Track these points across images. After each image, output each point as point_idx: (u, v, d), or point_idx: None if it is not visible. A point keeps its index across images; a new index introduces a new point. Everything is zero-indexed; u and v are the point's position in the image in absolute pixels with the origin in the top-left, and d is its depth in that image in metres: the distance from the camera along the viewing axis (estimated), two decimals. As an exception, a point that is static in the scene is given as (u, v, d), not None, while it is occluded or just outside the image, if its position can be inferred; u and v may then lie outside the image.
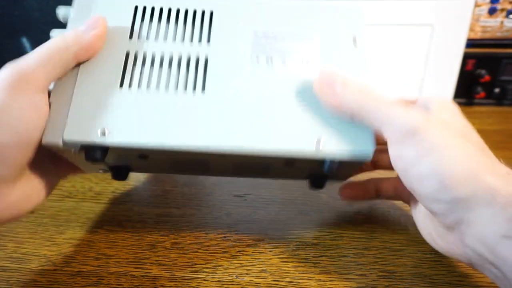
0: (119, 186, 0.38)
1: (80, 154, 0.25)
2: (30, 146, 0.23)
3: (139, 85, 0.26)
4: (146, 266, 0.29)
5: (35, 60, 0.23)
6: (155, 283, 0.28)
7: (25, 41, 0.48)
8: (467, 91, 0.54)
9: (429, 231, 0.25)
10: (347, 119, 0.25)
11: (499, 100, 0.54)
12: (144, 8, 0.28)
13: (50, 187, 0.27)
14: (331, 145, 0.25)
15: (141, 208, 0.35)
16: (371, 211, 0.35)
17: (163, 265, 0.29)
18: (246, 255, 0.30)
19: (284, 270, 0.29)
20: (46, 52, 0.24)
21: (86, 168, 0.30)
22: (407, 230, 0.32)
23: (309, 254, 0.30)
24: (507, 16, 0.51)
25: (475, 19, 0.51)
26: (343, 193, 0.32)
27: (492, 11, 0.51)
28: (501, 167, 0.22)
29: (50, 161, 0.27)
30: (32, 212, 0.33)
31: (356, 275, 0.28)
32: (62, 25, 0.28)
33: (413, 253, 0.30)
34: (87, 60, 0.26)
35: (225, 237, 0.32)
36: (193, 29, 0.28)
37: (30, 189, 0.25)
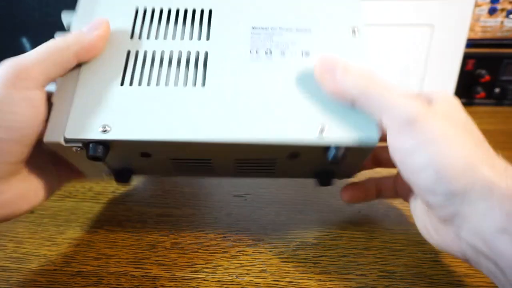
0: (119, 186, 0.38)
1: (82, 153, 0.25)
2: (23, 143, 0.23)
3: (140, 83, 0.26)
4: (146, 266, 0.29)
5: (33, 57, 0.23)
6: (155, 283, 0.28)
7: (25, 41, 0.48)
8: (467, 91, 0.53)
9: (425, 224, 0.25)
10: (349, 105, 0.24)
11: (499, 100, 0.54)
12: (145, 10, 0.29)
13: (50, 189, 0.27)
14: (335, 132, 0.25)
15: (141, 208, 0.35)
16: (371, 211, 0.35)
17: (163, 265, 0.29)
18: (246, 255, 0.30)
19: (284, 270, 0.29)
20: (46, 50, 0.24)
21: (88, 172, 0.29)
22: (407, 230, 0.32)
23: (309, 254, 0.30)
24: (507, 16, 0.51)
25: (475, 19, 0.51)
26: (344, 195, 0.32)
27: (492, 11, 0.51)
28: (500, 162, 0.21)
29: (51, 163, 0.27)
30: (32, 212, 0.34)
31: (356, 275, 0.28)
32: (63, 26, 0.29)
33: (413, 253, 0.30)
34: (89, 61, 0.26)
35: (225, 237, 0.32)
36: (192, 27, 0.29)
37: (27, 188, 0.25)
